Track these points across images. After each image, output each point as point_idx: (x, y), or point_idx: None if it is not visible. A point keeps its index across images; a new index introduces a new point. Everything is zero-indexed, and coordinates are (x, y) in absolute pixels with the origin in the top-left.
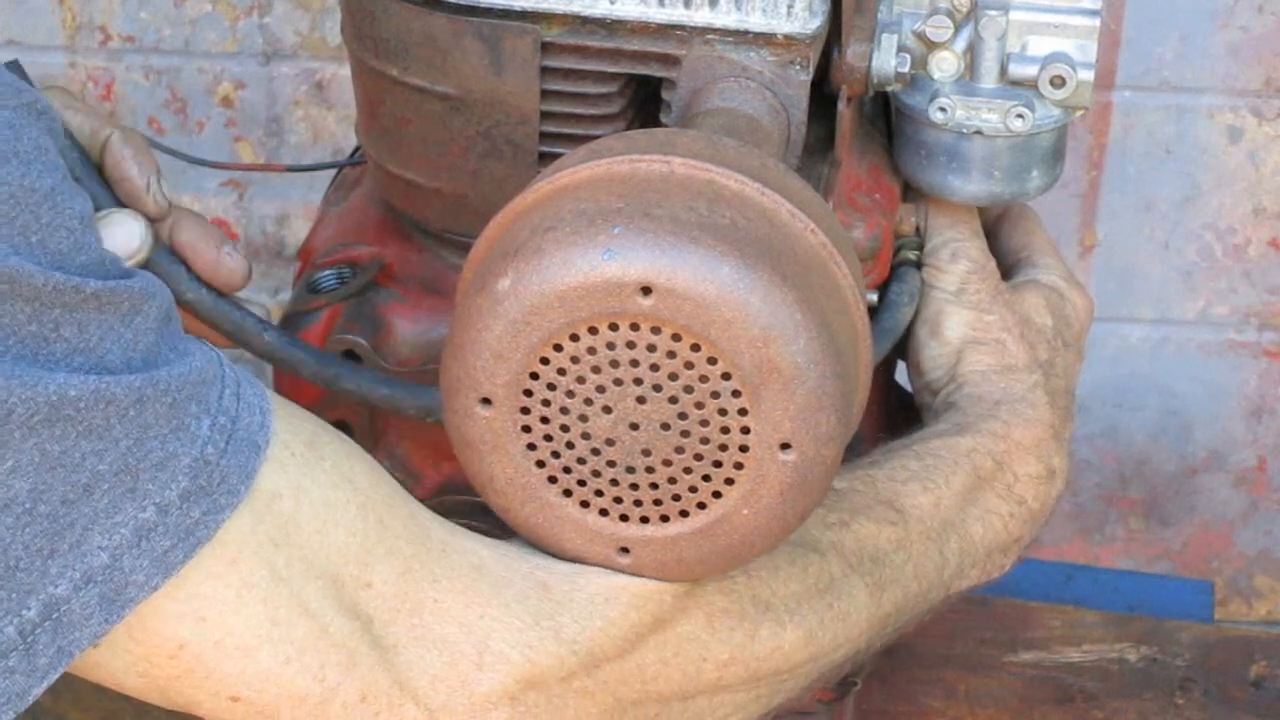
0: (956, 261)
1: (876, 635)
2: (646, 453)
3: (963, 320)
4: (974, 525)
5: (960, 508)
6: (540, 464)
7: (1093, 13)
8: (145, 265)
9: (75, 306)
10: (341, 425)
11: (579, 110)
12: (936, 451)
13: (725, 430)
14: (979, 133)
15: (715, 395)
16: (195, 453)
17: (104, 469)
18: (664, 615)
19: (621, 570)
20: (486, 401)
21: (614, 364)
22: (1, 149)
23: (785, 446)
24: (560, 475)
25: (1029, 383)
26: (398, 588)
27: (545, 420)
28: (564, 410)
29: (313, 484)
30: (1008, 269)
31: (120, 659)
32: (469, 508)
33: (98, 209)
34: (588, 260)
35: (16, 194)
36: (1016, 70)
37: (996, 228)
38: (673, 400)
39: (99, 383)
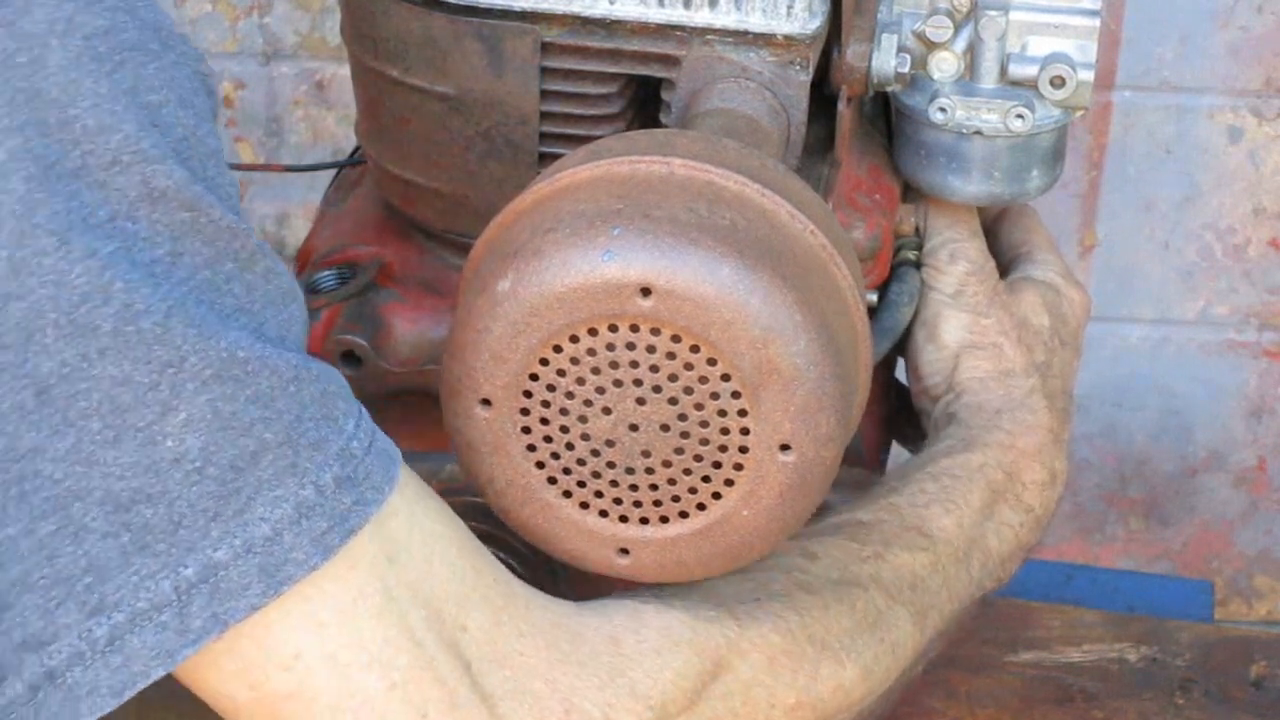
0: (955, 263)
1: (919, 660)
2: (646, 454)
3: (960, 324)
4: (991, 539)
5: (979, 524)
6: (540, 465)
7: (1093, 13)
8: None
9: (246, 264)
10: None
11: (579, 111)
12: (952, 471)
13: (725, 431)
14: (979, 133)
15: (715, 396)
16: (343, 443)
17: (269, 438)
18: (721, 656)
19: (621, 572)
20: (486, 402)
21: (614, 365)
22: (186, 98)
23: (785, 447)
24: (560, 476)
25: (1027, 387)
26: (490, 636)
27: (545, 421)
28: (564, 411)
29: (423, 514)
30: (1005, 265)
31: (235, 663)
32: (469, 508)
33: None
34: (587, 261)
35: (193, 138)
36: (1016, 70)
37: (996, 225)
38: (672, 401)
39: (263, 349)
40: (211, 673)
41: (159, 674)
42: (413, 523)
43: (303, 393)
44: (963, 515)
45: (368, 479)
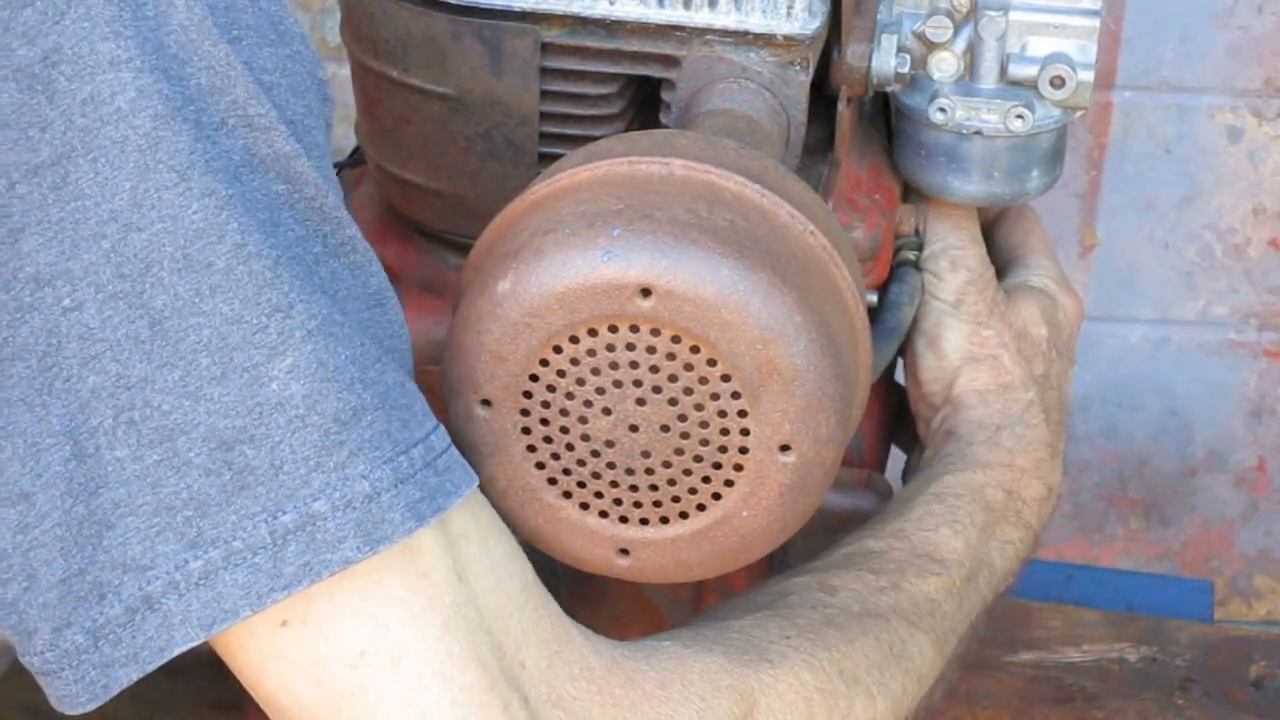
0: (955, 271)
1: (938, 685)
2: (646, 454)
3: (960, 334)
4: (996, 557)
5: (984, 544)
6: (540, 466)
7: (1093, 13)
8: None
9: (334, 251)
10: None
11: (578, 111)
12: (956, 492)
13: (725, 432)
14: (979, 133)
15: (715, 397)
16: (425, 433)
17: (369, 400)
18: (757, 699)
19: (621, 573)
20: (486, 403)
21: (613, 366)
22: (298, 88)
23: (785, 448)
24: (560, 477)
25: (1025, 401)
26: (545, 676)
27: (545, 422)
28: (564, 412)
29: (495, 543)
30: (1001, 266)
31: (303, 654)
32: None
33: None
34: (587, 262)
35: (300, 124)
36: (1016, 70)
37: (994, 225)
38: (672, 402)
39: (359, 322)
40: (281, 664)
41: (246, 614)
42: (484, 549)
43: (389, 373)
44: (970, 536)
45: (449, 471)
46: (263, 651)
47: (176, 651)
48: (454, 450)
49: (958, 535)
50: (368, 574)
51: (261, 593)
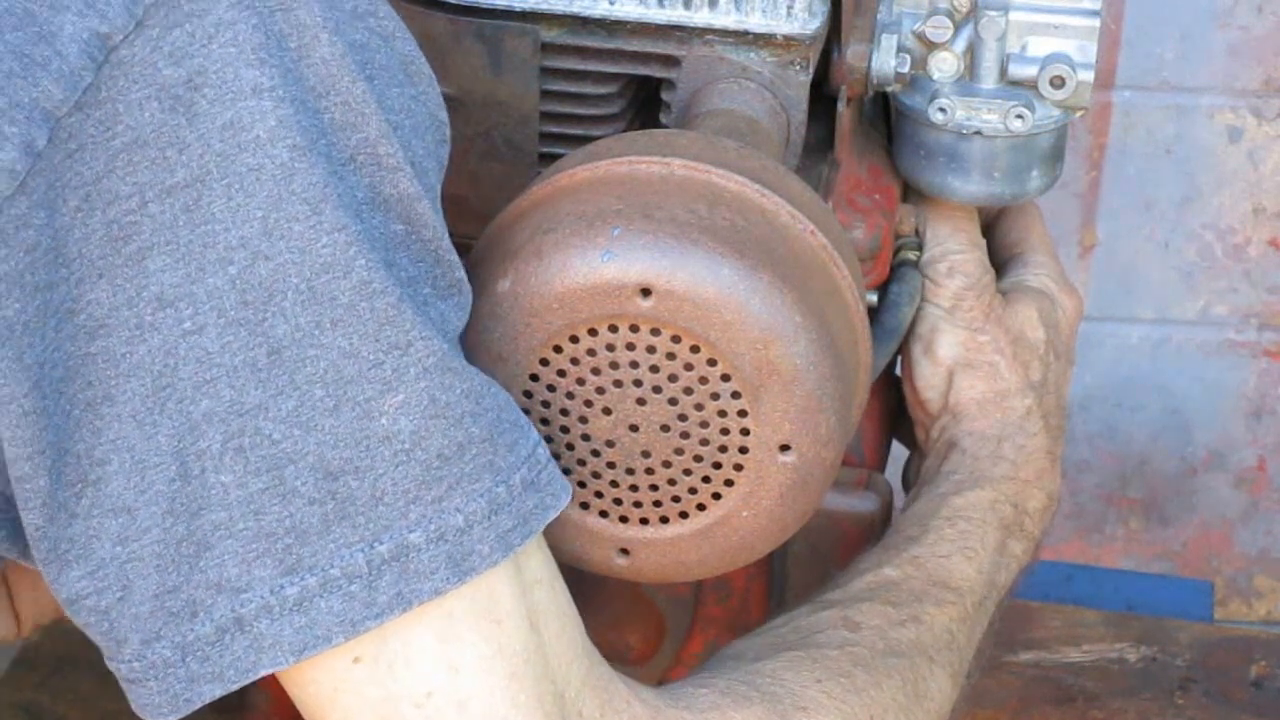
0: (952, 277)
1: (952, 716)
2: (646, 454)
3: (956, 340)
4: (1002, 574)
5: (994, 564)
6: None
7: (1093, 13)
8: None
9: (442, 293)
10: None
11: (578, 111)
12: (966, 515)
13: (725, 432)
14: (979, 133)
15: (715, 397)
16: (530, 448)
17: (475, 433)
18: None
19: (621, 573)
20: None
21: (613, 365)
22: (420, 129)
23: (785, 448)
24: None
25: (1023, 409)
26: None
27: (545, 422)
28: (564, 412)
29: (562, 591)
30: (1001, 264)
31: (375, 690)
32: None
33: None
34: (587, 262)
35: (419, 165)
36: (1016, 71)
37: (995, 222)
38: (672, 402)
39: (464, 358)
40: (350, 699)
41: (339, 641)
42: (553, 595)
43: (499, 396)
44: (982, 561)
45: (549, 485)
46: (333, 686)
47: (263, 673)
48: (554, 462)
49: (970, 561)
50: (444, 616)
51: (355, 620)
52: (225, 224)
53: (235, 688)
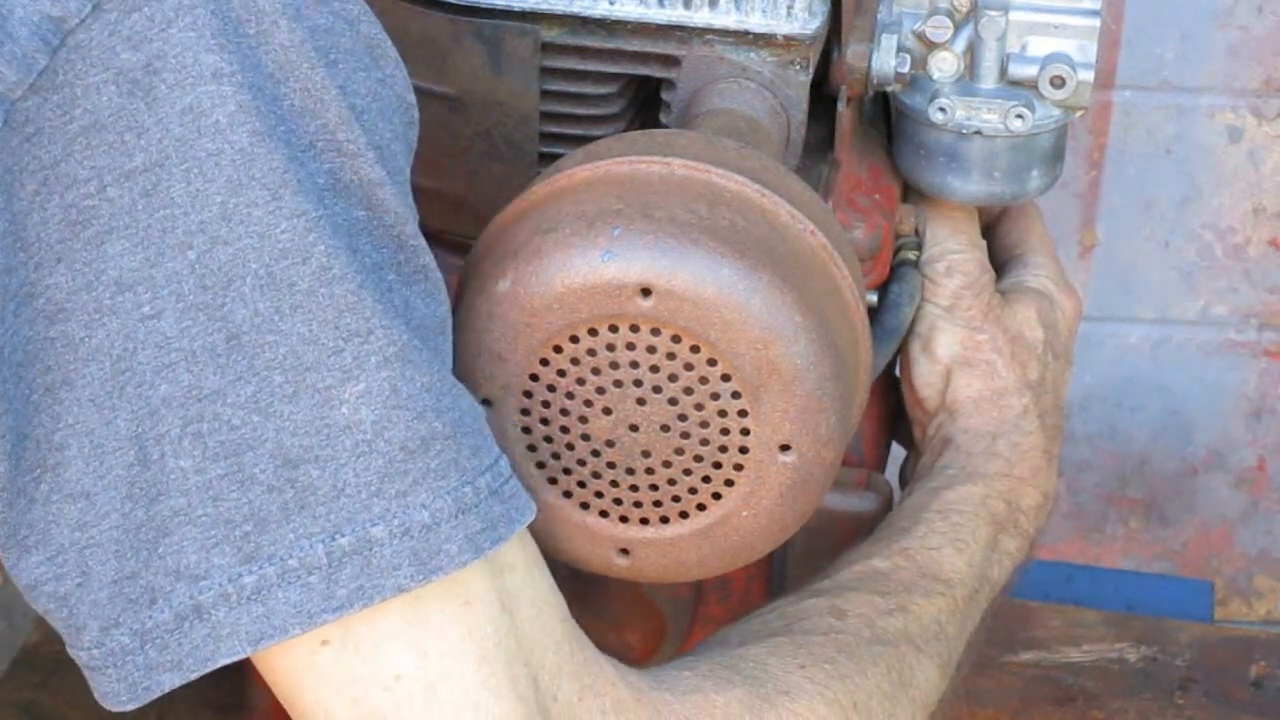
0: (951, 276)
1: (941, 709)
2: (646, 454)
3: (954, 338)
4: (995, 570)
5: (986, 558)
6: (540, 465)
7: (1093, 13)
8: None
9: (407, 279)
10: None
11: (579, 111)
12: (958, 508)
13: (725, 432)
14: (979, 133)
15: (715, 397)
16: (493, 459)
17: (439, 429)
18: None
19: (621, 573)
20: (487, 403)
21: (614, 365)
22: (386, 113)
23: (785, 448)
24: (560, 476)
25: (1020, 408)
26: (577, 710)
27: (545, 421)
28: (564, 411)
29: (540, 577)
30: (1001, 265)
31: (342, 673)
32: None
33: None
34: (587, 262)
35: (385, 149)
36: (1016, 70)
37: (996, 222)
38: (672, 402)
39: (430, 349)
40: (317, 682)
41: (296, 632)
42: (529, 580)
43: (464, 398)
44: (973, 554)
45: (513, 499)
46: (301, 669)
47: (221, 662)
48: (516, 479)
49: (961, 554)
50: (410, 600)
51: (312, 612)
52: (184, 209)
53: (194, 677)
